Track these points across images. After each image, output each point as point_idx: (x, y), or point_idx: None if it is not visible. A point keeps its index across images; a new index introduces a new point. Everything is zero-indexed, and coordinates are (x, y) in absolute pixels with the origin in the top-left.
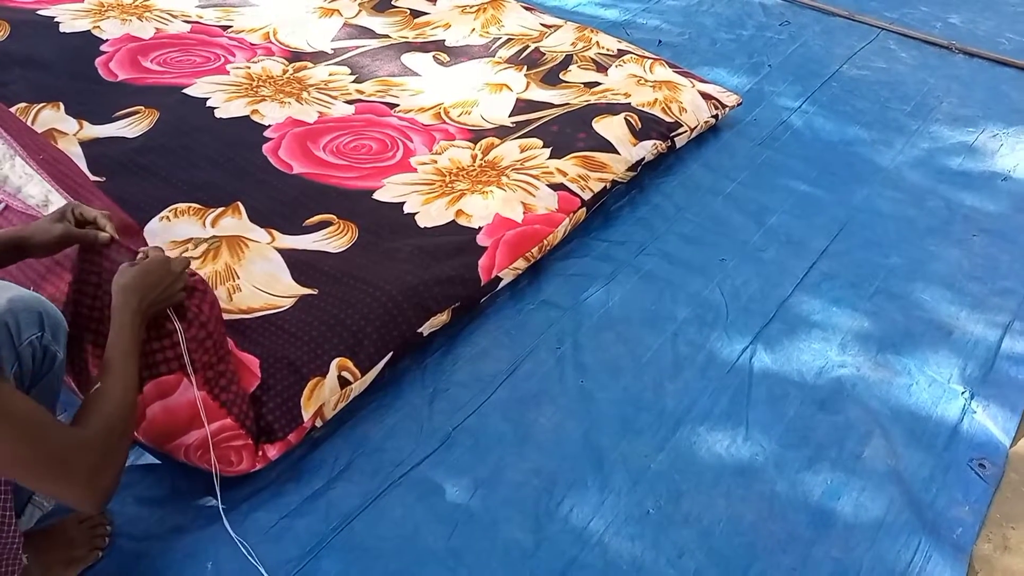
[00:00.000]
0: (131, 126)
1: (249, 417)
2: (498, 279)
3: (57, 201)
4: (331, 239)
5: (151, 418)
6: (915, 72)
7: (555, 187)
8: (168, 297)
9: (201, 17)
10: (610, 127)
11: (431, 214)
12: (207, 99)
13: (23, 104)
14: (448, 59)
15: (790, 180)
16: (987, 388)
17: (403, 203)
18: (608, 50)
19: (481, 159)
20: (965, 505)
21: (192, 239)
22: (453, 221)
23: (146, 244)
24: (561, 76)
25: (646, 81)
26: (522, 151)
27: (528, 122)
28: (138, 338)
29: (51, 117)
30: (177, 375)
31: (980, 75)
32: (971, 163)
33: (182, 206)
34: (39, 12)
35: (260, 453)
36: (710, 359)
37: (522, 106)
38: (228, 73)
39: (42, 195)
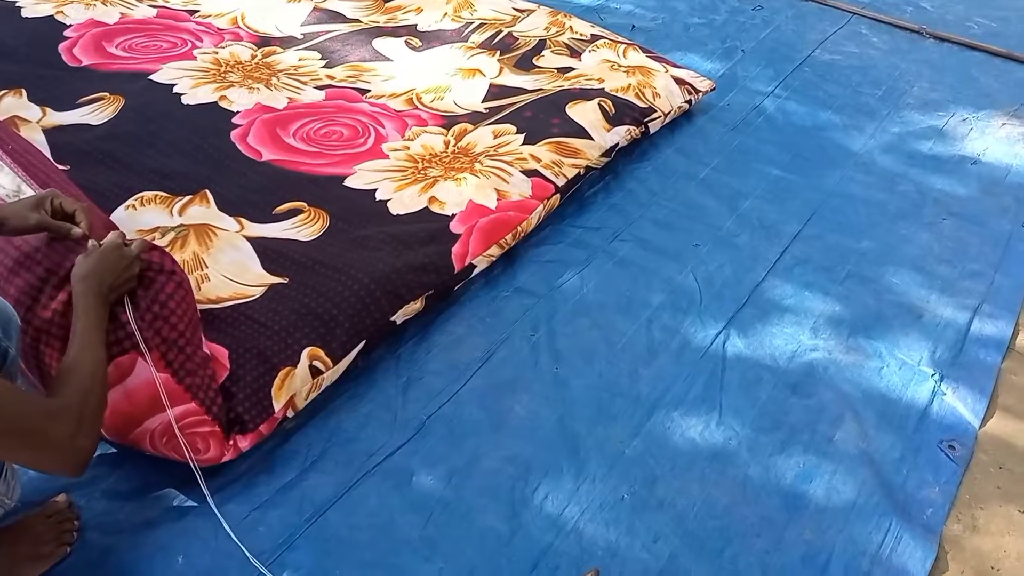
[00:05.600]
0: (96, 113)
1: (216, 404)
2: (472, 266)
3: (28, 192)
4: (301, 227)
5: (113, 404)
6: (886, 57)
7: (529, 173)
8: (127, 280)
9: (167, 2)
10: (584, 113)
11: (403, 201)
12: (174, 85)
13: None
14: (420, 44)
15: (763, 165)
16: (956, 370)
17: (375, 190)
18: (581, 35)
19: (454, 145)
20: (935, 487)
21: (159, 228)
22: (426, 208)
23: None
24: (534, 61)
25: (619, 66)
26: (495, 137)
27: (501, 108)
28: (102, 319)
29: (13, 104)
30: (131, 355)
31: (950, 59)
32: (941, 147)
33: (148, 194)
34: None
35: (231, 443)
36: (684, 344)
37: (495, 92)
38: (195, 58)
39: (14, 185)
